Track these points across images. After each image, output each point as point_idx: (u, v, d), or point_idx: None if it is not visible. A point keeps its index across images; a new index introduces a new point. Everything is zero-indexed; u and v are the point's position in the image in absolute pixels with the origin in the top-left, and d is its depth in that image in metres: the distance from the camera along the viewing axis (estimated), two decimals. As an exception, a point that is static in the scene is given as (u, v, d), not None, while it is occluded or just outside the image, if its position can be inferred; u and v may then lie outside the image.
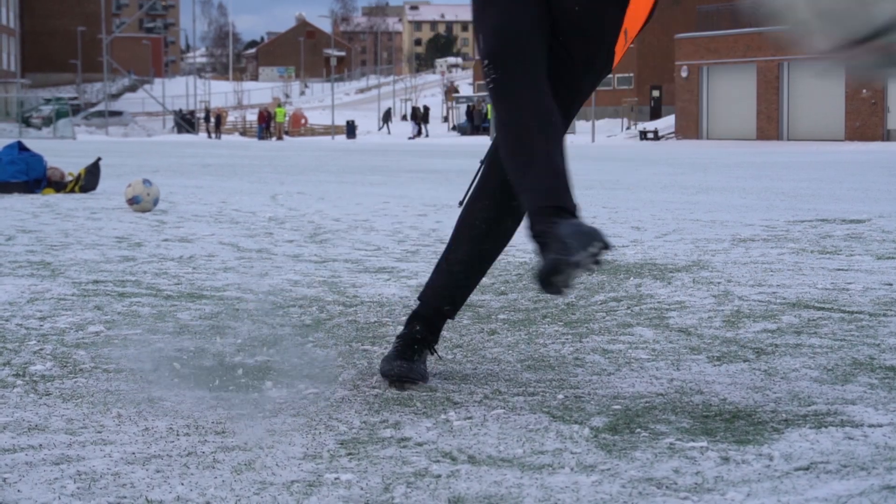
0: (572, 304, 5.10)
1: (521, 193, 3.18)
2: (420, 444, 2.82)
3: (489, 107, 59.33)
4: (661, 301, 5.17)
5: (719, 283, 5.76)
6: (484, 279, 5.96)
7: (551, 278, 2.96)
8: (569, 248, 2.93)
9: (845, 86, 48.89)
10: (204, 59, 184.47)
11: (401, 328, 4.50)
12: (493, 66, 3.23)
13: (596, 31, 3.39)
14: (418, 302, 3.71)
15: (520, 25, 3.26)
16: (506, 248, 3.63)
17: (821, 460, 2.66)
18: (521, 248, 7.41)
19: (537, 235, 3.06)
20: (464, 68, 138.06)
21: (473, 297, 5.38)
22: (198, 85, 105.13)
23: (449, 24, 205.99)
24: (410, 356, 3.58)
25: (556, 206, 3.06)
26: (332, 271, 6.32)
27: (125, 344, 4.20)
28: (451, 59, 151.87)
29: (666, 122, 62.98)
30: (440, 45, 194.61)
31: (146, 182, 10.85)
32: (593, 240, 2.93)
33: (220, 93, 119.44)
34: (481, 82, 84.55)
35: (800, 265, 6.42)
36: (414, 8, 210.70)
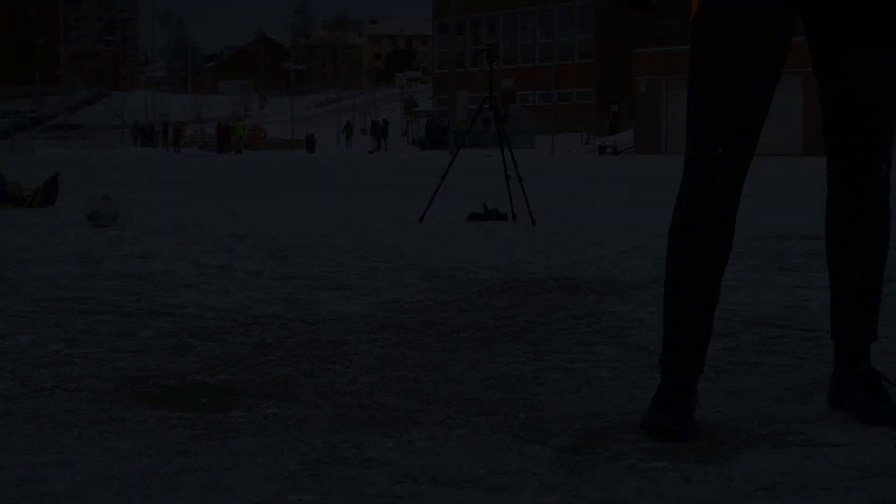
0: (533, 322, 5.12)
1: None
2: (383, 465, 2.83)
3: (456, 125, 58.42)
4: (621, 318, 5.19)
5: (679, 300, 5.77)
6: (445, 297, 5.98)
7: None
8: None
9: (804, 99, 48.91)
10: (163, 73, 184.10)
11: (362, 346, 4.51)
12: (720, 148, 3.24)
13: None
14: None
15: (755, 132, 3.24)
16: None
17: (781, 480, 2.68)
18: (482, 264, 7.42)
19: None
20: (423, 82, 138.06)
21: (434, 314, 5.39)
22: (157, 98, 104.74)
23: (408, 39, 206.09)
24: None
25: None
26: (292, 288, 6.31)
27: (86, 362, 4.18)
28: (411, 74, 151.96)
29: (625, 137, 63.20)
30: (399, 59, 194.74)
31: (106, 197, 10.82)
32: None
33: (179, 106, 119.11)
34: (440, 96, 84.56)
35: (759, 282, 6.46)
36: (374, 22, 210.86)
